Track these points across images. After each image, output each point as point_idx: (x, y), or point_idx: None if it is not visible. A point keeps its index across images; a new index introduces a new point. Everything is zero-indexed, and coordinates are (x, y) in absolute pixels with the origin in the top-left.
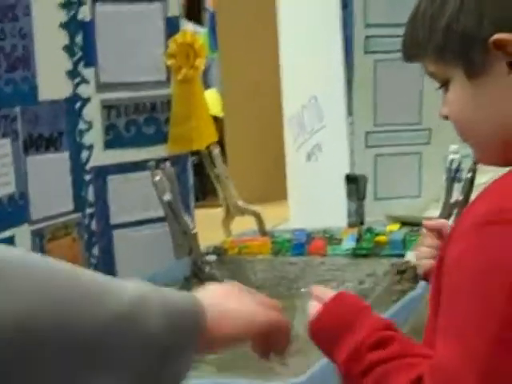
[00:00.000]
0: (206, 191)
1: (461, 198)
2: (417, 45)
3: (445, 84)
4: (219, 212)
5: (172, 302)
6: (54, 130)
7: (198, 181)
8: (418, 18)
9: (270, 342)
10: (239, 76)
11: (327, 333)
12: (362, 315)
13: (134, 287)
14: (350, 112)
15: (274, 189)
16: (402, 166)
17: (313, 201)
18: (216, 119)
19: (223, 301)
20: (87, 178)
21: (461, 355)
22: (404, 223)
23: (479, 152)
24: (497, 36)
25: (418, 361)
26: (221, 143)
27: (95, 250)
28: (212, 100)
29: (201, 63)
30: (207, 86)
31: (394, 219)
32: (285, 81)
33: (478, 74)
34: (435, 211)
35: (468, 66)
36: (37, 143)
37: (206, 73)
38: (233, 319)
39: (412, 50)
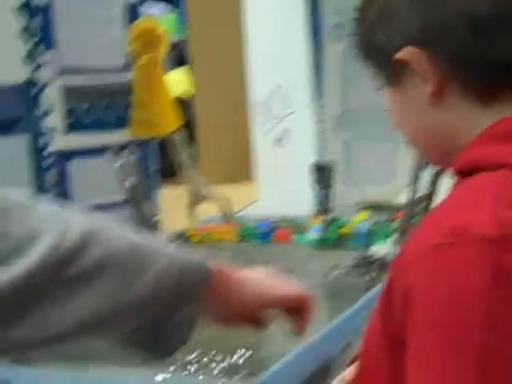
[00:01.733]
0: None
1: (429, 189)
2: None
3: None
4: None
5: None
6: (12, 115)
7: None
8: (356, 28)
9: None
10: (208, 57)
11: None
12: None
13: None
14: (320, 95)
15: (244, 170)
16: (375, 150)
17: (281, 185)
18: (185, 100)
19: (250, 273)
20: (48, 162)
21: None
22: (376, 208)
23: (427, 157)
24: (399, 55)
25: None
26: (190, 124)
27: None
28: (181, 81)
29: (162, 49)
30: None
31: (366, 204)
32: (252, 66)
33: (396, 84)
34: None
35: (386, 77)
36: None
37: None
38: (255, 285)
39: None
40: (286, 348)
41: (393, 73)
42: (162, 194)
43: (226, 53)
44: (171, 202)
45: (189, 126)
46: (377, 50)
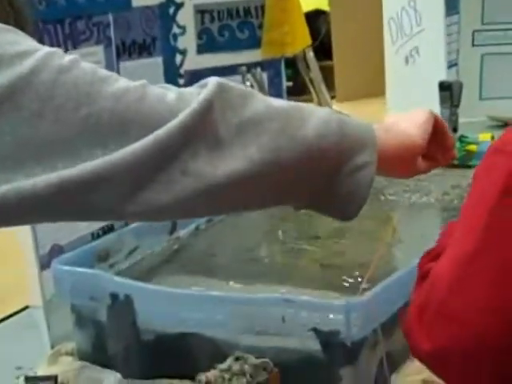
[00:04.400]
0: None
1: None
2: None
3: None
4: None
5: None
6: (147, 36)
7: (295, 76)
8: None
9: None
10: None
11: None
12: None
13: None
14: (456, 10)
15: (378, 85)
16: (509, 65)
17: (409, 104)
18: (323, 12)
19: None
20: (181, 82)
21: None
22: (507, 124)
23: None
24: None
25: None
26: (328, 36)
27: None
28: None
29: None
30: None
31: (497, 120)
32: None
33: None
34: None
35: None
36: (130, 49)
37: None
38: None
39: None
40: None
41: None
42: None
43: None
44: None
45: (326, 39)
46: None
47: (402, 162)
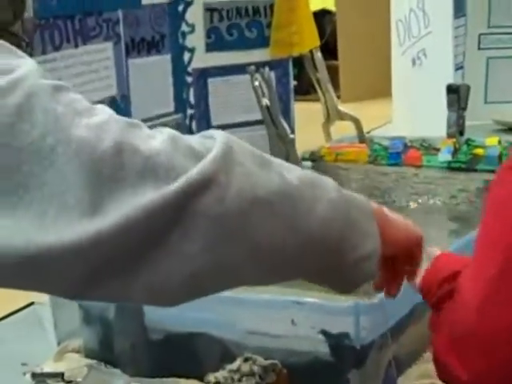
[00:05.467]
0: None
1: None
2: None
3: None
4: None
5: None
6: (155, 33)
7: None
8: None
9: (410, 258)
10: None
11: None
12: None
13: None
14: (463, 13)
15: (381, 86)
16: None
17: (416, 106)
18: (329, 12)
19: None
20: (189, 79)
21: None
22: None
23: None
24: None
25: None
26: (334, 36)
27: None
28: None
29: None
30: None
31: (503, 124)
32: None
33: None
34: None
35: None
36: (139, 46)
37: None
38: (396, 225)
39: None
40: None
41: None
42: (296, 110)
43: None
44: (305, 119)
45: (331, 38)
46: None
47: None
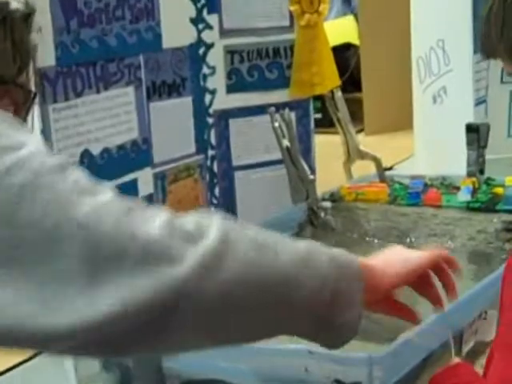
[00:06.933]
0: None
1: None
2: (490, 44)
3: None
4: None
5: (336, 253)
6: (176, 77)
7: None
8: (491, 18)
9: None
10: (375, 5)
11: None
12: None
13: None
14: None
15: (404, 118)
16: None
17: (437, 143)
18: (353, 45)
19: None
20: (210, 121)
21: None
22: None
23: None
24: None
25: None
26: (358, 69)
27: (216, 191)
28: (349, 27)
29: (324, 9)
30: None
31: None
32: (414, 20)
33: None
34: None
35: None
36: (160, 90)
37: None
38: (394, 264)
39: (486, 48)
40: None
41: None
42: (320, 143)
43: (392, 5)
44: (328, 152)
45: (356, 71)
46: None
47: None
